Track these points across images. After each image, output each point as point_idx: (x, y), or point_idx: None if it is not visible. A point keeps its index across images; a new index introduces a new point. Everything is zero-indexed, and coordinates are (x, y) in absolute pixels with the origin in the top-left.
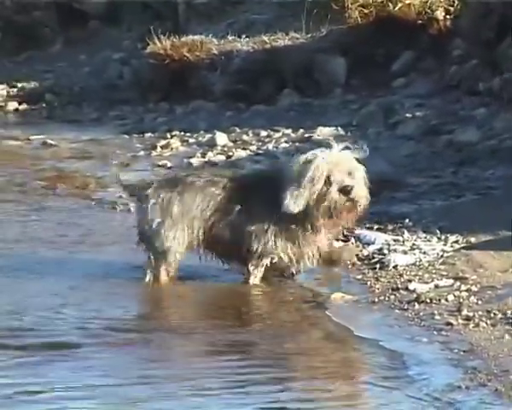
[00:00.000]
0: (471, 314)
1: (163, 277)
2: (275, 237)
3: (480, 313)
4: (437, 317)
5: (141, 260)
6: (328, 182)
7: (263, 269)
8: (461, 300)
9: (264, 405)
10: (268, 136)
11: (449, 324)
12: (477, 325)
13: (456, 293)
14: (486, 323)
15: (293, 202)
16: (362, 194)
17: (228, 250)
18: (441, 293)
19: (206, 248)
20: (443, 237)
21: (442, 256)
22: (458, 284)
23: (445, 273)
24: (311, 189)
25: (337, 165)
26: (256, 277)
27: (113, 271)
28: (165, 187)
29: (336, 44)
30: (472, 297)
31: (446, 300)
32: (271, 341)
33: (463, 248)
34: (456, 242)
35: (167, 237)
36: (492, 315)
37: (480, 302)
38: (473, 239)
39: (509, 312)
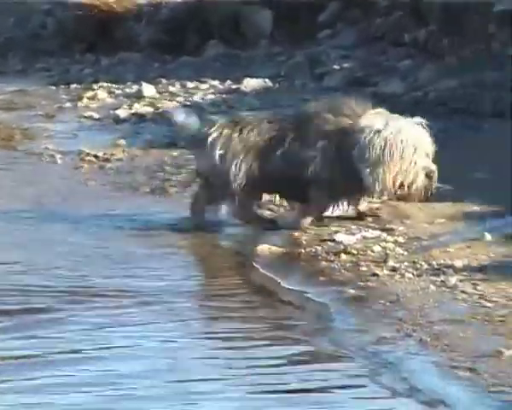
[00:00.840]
0: (397, 265)
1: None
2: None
3: (406, 263)
4: (363, 268)
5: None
6: (413, 162)
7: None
8: (387, 251)
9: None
10: (195, 87)
11: (375, 274)
12: (403, 276)
13: (383, 244)
14: (412, 274)
15: (377, 183)
16: (436, 173)
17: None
18: (368, 244)
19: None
20: None
21: (369, 208)
22: (385, 235)
23: (371, 225)
24: (395, 168)
25: (419, 145)
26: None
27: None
28: (226, 126)
29: None
30: (398, 248)
31: (372, 251)
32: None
33: (390, 199)
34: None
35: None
36: (418, 266)
37: (405, 253)
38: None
39: (434, 262)
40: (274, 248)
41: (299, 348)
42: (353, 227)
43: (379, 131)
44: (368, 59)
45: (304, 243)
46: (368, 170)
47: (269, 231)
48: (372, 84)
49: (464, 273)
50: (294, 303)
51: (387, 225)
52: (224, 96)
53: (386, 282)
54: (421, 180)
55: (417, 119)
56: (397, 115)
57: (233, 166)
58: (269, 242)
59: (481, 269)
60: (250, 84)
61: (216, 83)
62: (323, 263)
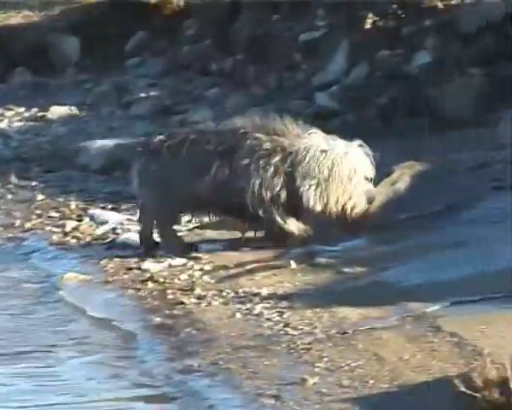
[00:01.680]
0: (204, 293)
1: None
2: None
3: (213, 292)
4: (170, 296)
5: None
6: (356, 186)
7: None
8: (194, 279)
9: None
10: (1, 114)
11: (181, 303)
12: (209, 304)
13: (190, 272)
14: (219, 302)
15: (320, 203)
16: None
17: None
18: (174, 272)
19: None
20: None
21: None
22: (191, 263)
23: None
24: (340, 190)
25: (362, 168)
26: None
27: None
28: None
29: (69, 23)
30: (205, 276)
31: (179, 279)
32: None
33: (196, 227)
34: (190, 221)
35: None
36: (224, 294)
37: (212, 281)
38: (206, 219)
39: (240, 290)
40: (81, 276)
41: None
42: (160, 255)
43: (325, 152)
44: (175, 87)
45: (111, 270)
46: (311, 189)
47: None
48: (180, 112)
49: (270, 301)
50: (100, 331)
51: (194, 253)
52: (30, 123)
53: (192, 310)
54: (362, 204)
55: (358, 142)
56: (335, 137)
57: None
58: (75, 269)
59: (287, 297)
60: (56, 111)
61: (22, 110)
62: (130, 291)
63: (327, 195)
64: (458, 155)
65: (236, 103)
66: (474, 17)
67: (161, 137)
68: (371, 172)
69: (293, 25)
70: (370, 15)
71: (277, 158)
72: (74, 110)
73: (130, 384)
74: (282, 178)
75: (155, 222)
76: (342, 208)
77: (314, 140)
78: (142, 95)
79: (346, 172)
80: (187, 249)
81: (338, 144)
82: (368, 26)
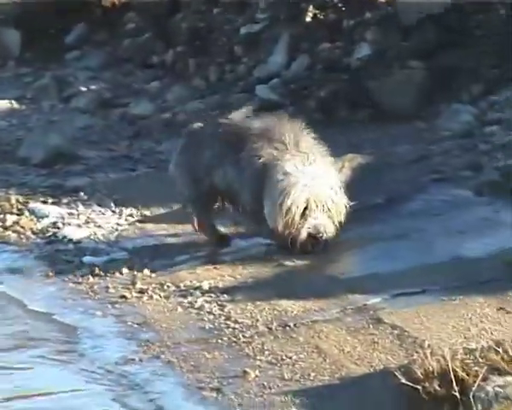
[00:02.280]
0: (145, 287)
1: None
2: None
3: (154, 285)
4: (111, 290)
5: None
6: (303, 215)
7: None
8: (135, 272)
9: None
10: None
11: (123, 296)
12: (151, 298)
13: (131, 266)
14: (160, 295)
15: (270, 221)
16: (330, 231)
17: None
18: (116, 266)
19: None
20: (117, 211)
21: (117, 230)
22: (132, 256)
23: (119, 246)
24: (286, 215)
25: (320, 201)
26: None
27: None
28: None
29: (9, 17)
30: (146, 270)
31: (121, 273)
32: None
33: (138, 221)
34: (131, 215)
35: None
36: (166, 288)
37: (153, 275)
38: (147, 212)
39: (181, 284)
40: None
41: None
42: (101, 249)
43: (286, 174)
44: (116, 80)
45: (51, 265)
46: (268, 205)
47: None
48: (121, 106)
49: (211, 294)
50: (41, 325)
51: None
52: None
53: (134, 304)
54: (303, 237)
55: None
56: (321, 161)
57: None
58: (16, 264)
59: (228, 290)
60: None
61: None
62: (71, 285)
63: (275, 216)
64: (398, 147)
65: (177, 96)
66: (414, 10)
67: (199, 124)
68: (334, 205)
69: (234, 17)
70: (311, 8)
71: (260, 167)
72: (14, 104)
73: (71, 377)
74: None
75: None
76: (288, 234)
77: (290, 160)
78: (83, 88)
79: (298, 201)
80: (223, 239)
81: (308, 171)
82: (308, 18)
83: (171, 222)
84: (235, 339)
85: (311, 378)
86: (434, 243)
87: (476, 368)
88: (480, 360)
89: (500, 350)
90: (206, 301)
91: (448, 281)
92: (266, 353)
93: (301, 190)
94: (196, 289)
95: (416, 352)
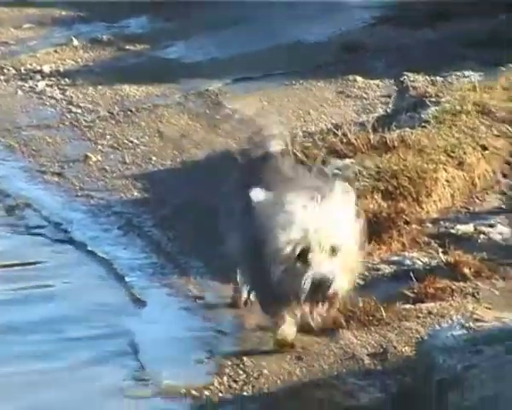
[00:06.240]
0: None
1: None
2: None
3: None
4: None
5: None
6: (302, 260)
7: None
8: None
9: None
10: None
11: None
12: None
13: None
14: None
15: None
16: (340, 286)
17: None
18: None
19: None
20: None
21: None
22: None
23: None
24: (280, 263)
25: (319, 240)
26: None
27: None
28: None
29: None
30: None
31: None
32: None
33: None
34: None
35: None
36: (6, 71)
37: None
38: None
39: (22, 68)
40: None
41: None
42: None
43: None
44: None
45: None
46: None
47: None
48: None
49: (52, 79)
50: None
51: None
52: None
53: None
54: (306, 287)
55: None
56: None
57: None
58: None
59: (69, 74)
60: None
61: None
62: None
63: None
64: None
65: None
66: None
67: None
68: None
69: None
70: None
71: None
72: None
73: None
74: None
75: None
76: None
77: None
78: None
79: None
80: None
81: (296, 199)
82: None
83: None
84: (76, 124)
85: (153, 162)
86: (276, 27)
87: (315, 151)
88: (319, 142)
89: (339, 133)
90: (48, 86)
91: (290, 65)
92: (108, 137)
93: (283, 219)
94: (37, 72)
95: (256, 135)
